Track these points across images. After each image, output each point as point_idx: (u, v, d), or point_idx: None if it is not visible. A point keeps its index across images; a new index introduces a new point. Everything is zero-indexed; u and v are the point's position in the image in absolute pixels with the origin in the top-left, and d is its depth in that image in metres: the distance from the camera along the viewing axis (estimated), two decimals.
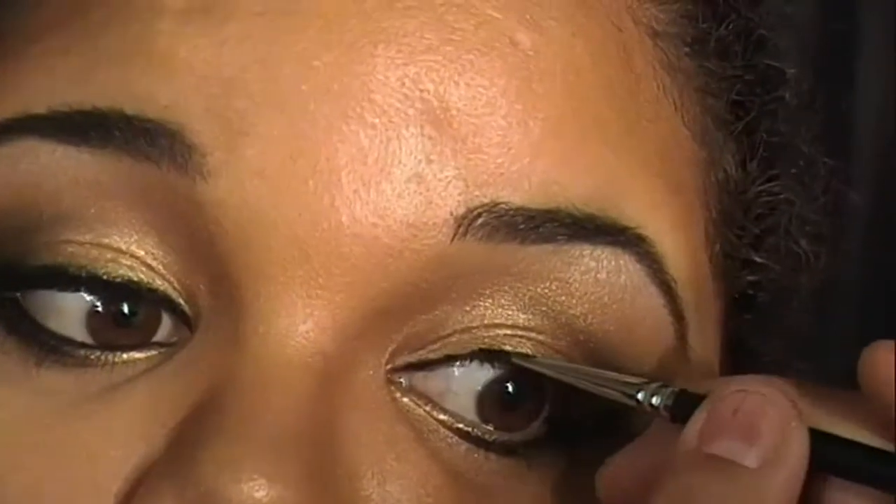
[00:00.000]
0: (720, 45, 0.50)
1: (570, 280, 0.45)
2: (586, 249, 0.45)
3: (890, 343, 0.40)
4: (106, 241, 0.44)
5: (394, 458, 0.44)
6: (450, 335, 0.45)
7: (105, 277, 0.44)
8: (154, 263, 0.44)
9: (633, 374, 0.45)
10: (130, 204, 0.44)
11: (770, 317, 0.54)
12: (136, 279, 0.44)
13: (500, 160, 0.44)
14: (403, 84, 0.43)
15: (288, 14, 0.43)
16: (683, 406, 0.42)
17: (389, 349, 0.44)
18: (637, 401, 0.44)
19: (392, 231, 0.43)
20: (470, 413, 0.45)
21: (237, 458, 0.41)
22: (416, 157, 0.43)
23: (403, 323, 0.44)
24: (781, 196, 0.53)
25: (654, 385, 0.44)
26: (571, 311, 0.45)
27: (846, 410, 0.42)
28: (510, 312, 0.45)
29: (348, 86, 0.43)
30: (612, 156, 0.45)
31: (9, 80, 0.45)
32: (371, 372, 0.44)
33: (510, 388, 0.46)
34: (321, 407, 0.43)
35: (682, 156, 0.49)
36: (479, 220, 0.43)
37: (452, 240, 0.43)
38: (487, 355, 0.45)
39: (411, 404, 0.45)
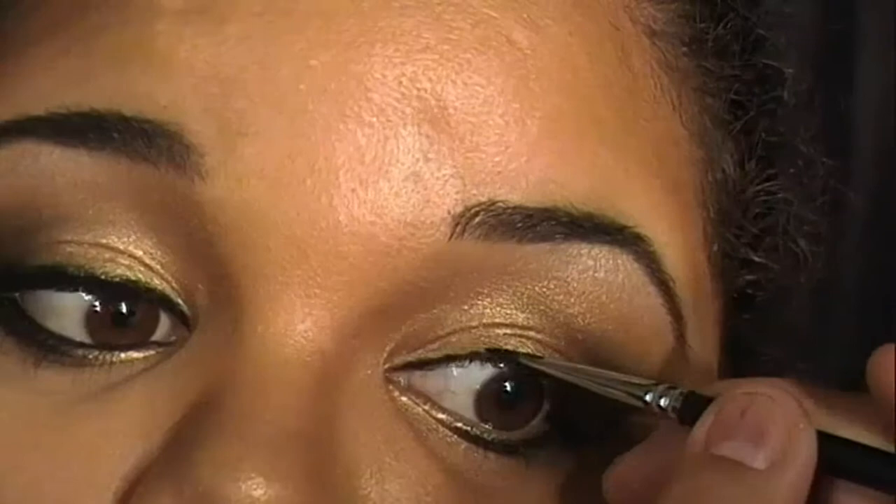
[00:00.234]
0: (718, 45, 0.50)
1: (568, 279, 0.45)
2: (584, 248, 0.45)
3: None
4: (104, 241, 0.44)
5: (392, 457, 0.44)
6: (448, 334, 0.45)
7: (103, 277, 0.44)
8: (152, 263, 0.44)
9: (639, 376, 0.45)
10: (129, 204, 0.44)
11: (769, 316, 0.54)
12: (134, 279, 0.44)
13: (497, 159, 0.44)
14: (401, 83, 0.43)
15: (286, 14, 0.43)
16: (691, 408, 0.42)
17: (388, 348, 0.44)
18: (645, 402, 0.44)
19: (390, 229, 0.43)
20: (468, 412, 0.45)
21: (235, 458, 0.41)
22: (413, 156, 0.43)
23: (402, 322, 0.44)
24: (780, 195, 0.53)
25: (662, 387, 0.44)
26: (569, 310, 0.45)
27: (853, 413, 0.42)
28: (508, 311, 0.45)
29: (346, 85, 0.43)
30: (609, 155, 0.45)
31: (7, 82, 0.45)
32: (369, 371, 0.44)
33: (509, 387, 0.46)
34: (320, 406, 0.42)
35: (680, 155, 0.49)
36: (477, 219, 0.43)
37: (450, 238, 0.43)
38: (486, 355, 0.45)
39: (410, 403, 0.45)
